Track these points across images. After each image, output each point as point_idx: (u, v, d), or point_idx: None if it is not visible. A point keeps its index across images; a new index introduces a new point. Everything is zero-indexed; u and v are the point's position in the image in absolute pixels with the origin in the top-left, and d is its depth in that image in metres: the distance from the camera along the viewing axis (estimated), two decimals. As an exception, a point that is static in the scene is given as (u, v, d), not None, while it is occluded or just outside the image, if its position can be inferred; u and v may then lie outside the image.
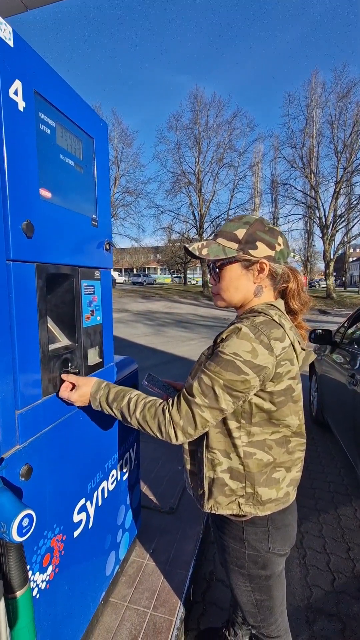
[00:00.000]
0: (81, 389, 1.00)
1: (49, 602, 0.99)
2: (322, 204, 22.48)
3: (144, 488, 2.30)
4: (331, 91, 22.42)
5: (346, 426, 2.53)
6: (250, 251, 0.91)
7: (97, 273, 1.24)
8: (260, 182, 28.36)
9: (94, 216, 1.21)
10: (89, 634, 1.28)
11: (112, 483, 1.41)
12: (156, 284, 36.11)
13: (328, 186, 23.17)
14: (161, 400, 0.93)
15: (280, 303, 0.96)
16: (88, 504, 1.21)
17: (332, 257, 22.01)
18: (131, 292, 23.37)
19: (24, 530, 0.70)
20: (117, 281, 32.15)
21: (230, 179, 26.87)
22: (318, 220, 22.90)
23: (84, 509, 1.18)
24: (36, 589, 0.92)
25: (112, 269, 1.36)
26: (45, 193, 0.93)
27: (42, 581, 0.95)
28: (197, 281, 44.12)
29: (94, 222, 1.20)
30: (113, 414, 0.96)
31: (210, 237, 0.99)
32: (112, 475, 1.42)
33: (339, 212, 22.36)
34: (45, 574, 0.96)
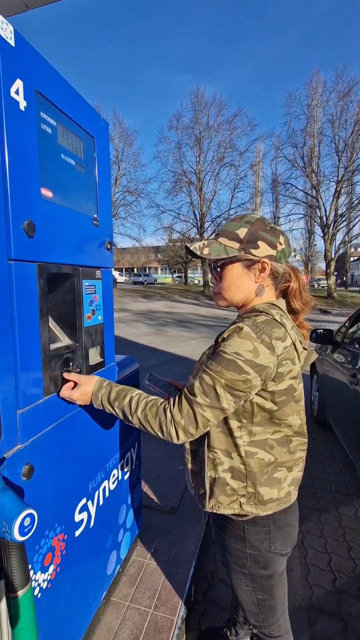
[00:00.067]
0: (83, 387, 1.00)
1: (50, 602, 0.99)
2: (323, 203, 22.46)
3: (145, 487, 2.30)
4: (332, 90, 22.41)
5: (347, 426, 2.53)
6: (252, 250, 0.91)
7: (98, 272, 1.24)
8: (261, 181, 28.36)
9: (95, 215, 1.21)
10: (90, 634, 1.28)
11: (113, 482, 1.41)
12: (157, 284, 36.12)
13: (329, 185, 23.30)
14: (163, 400, 0.93)
15: (282, 302, 0.96)
16: (89, 503, 1.21)
17: (333, 256, 21.97)
18: (132, 292, 23.38)
19: (26, 530, 0.70)
20: (117, 281, 32.18)
21: (231, 178, 26.87)
22: (319, 220, 22.86)
23: (85, 508, 1.18)
24: (38, 589, 0.92)
25: (113, 269, 1.36)
26: (46, 192, 0.93)
27: (44, 580, 0.95)
28: (198, 281, 44.12)
29: (95, 222, 1.20)
30: (114, 413, 0.96)
31: (212, 237, 0.99)
32: (114, 475, 1.42)
33: (340, 212, 22.32)
34: (46, 574, 0.96)
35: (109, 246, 1.30)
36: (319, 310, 16.07)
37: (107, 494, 1.35)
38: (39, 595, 0.93)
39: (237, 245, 0.92)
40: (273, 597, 1.01)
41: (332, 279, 22.37)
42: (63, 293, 1.08)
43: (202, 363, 0.91)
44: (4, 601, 0.80)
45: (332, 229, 21.87)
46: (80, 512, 1.14)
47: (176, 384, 1.20)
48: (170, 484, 2.35)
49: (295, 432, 0.93)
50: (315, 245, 31.61)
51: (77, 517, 1.13)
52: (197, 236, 26.33)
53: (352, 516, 2.26)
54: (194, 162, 26.63)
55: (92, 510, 1.23)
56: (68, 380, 1.03)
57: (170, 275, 47.94)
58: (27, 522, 0.70)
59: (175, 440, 0.88)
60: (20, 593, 0.72)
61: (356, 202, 21.85)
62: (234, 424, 0.89)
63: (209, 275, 1.06)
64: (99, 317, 1.25)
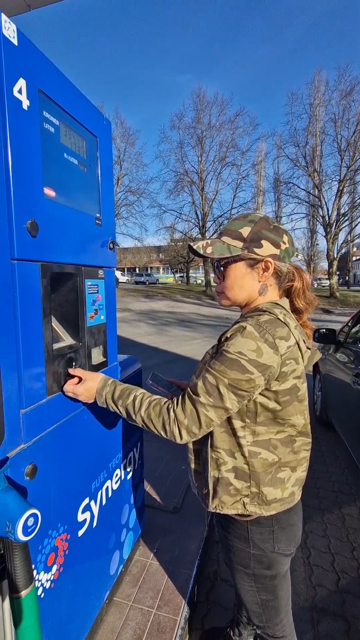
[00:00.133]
0: (87, 383, 1.00)
1: (53, 602, 0.99)
2: (326, 202, 22.40)
3: (148, 487, 2.30)
4: (334, 89, 22.36)
5: (350, 425, 2.52)
6: (255, 250, 0.90)
7: (100, 272, 1.23)
8: (263, 180, 28.25)
9: (98, 215, 1.21)
10: (93, 634, 1.28)
11: (116, 482, 1.41)
12: (159, 284, 36.13)
13: (331, 185, 23.04)
14: (166, 399, 0.93)
15: (285, 302, 0.95)
16: (92, 503, 1.21)
17: (335, 256, 21.91)
18: (134, 292, 23.39)
19: (29, 530, 0.70)
20: (119, 280, 32.19)
21: (233, 177, 26.92)
22: (321, 219, 22.79)
23: (88, 508, 1.18)
24: (41, 589, 0.92)
25: (115, 268, 1.36)
26: (49, 192, 0.93)
27: (47, 580, 0.95)
28: (201, 281, 44.10)
29: (97, 221, 1.20)
30: (118, 412, 0.96)
31: (215, 236, 0.98)
32: (116, 475, 1.41)
33: (342, 211, 22.24)
34: (49, 573, 0.96)
35: (111, 246, 1.30)
36: (321, 309, 16.03)
37: (110, 494, 1.35)
38: (42, 596, 0.93)
39: (240, 244, 0.91)
40: (277, 598, 1.00)
41: (335, 278, 22.30)
42: (66, 292, 1.08)
43: (205, 363, 0.91)
44: (7, 601, 0.80)
45: (335, 228, 21.80)
46: (83, 512, 1.14)
47: (179, 383, 1.20)
48: (173, 484, 2.35)
49: (299, 432, 0.93)
50: (317, 244, 31.54)
51: (80, 517, 1.13)
52: (199, 236, 26.32)
53: (355, 516, 2.25)
54: (196, 162, 26.67)
55: (95, 510, 1.23)
56: (72, 377, 1.04)
57: (172, 275, 47.93)
58: (30, 522, 0.70)
59: (178, 440, 0.87)
60: (23, 593, 0.72)
61: (358, 201, 21.78)
62: (237, 423, 0.89)
63: (211, 275, 1.06)
64: (102, 317, 1.25)
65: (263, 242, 0.90)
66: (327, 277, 28.54)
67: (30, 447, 0.87)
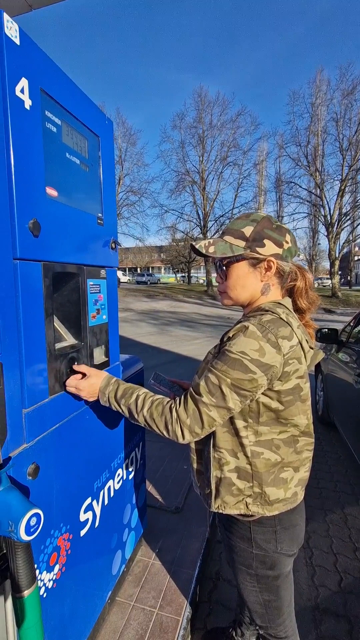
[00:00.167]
0: (91, 379, 1.00)
1: (56, 602, 0.99)
2: (327, 202, 22.40)
3: (150, 487, 2.30)
4: (336, 88, 22.30)
5: (352, 425, 2.51)
6: (258, 249, 0.90)
7: (102, 272, 1.23)
8: (265, 180, 28.25)
9: (100, 215, 1.21)
10: (96, 633, 1.28)
11: (118, 482, 1.41)
12: (160, 283, 36.14)
13: (333, 184, 23.00)
14: (169, 399, 0.93)
15: (288, 301, 0.95)
16: (94, 503, 1.21)
17: (337, 255, 21.88)
18: (135, 292, 23.40)
19: (32, 530, 0.70)
20: (121, 280, 32.21)
21: (235, 177, 26.92)
22: (323, 219, 22.77)
23: (90, 508, 1.18)
24: (43, 588, 0.92)
25: (117, 268, 1.36)
26: (51, 192, 0.93)
27: (49, 580, 0.95)
28: (202, 280, 44.08)
29: (99, 221, 1.20)
30: (120, 411, 0.96)
31: (217, 235, 0.98)
32: (118, 474, 1.41)
33: (344, 210, 22.22)
34: (52, 573, 0.96)
35: (113, 245, 1.30)
36: (323, 309, 16.01)
37: (112, 494, 1.35)
38: (44, 595, 0.93)
39: (243, 243, 0.91)
40: (279, 598, 1.00)
41: (336, 278, 22.26)
42: (68, 292, 1.08)
43: (208, 362, 0.90)
44: (10, 601, 0.81)
45: (336, 228, 21.78)
46: (85, 511, 1.14)
47: (181, 383, 1.20)
48: (175, 484, 2.35)
49: (301, 432, 0.92)
50: (319, 244, 31.52)
51: (83, 517, 1.13)
52: (200, 236, 26.29)
53: (357, 516, 2.24)
54: (197, 162, 26.67)
55: (97, 509, 1.23)
56: (76, 373, 1.04)
57: (174, 275, 47.92)
58: (33, 521, 0.70)
59: (180, 440, 0.87)
60: (26, 593, 0.72)
61: (360, 200, 21.74)
62: (240, 423, 0.89)
63: (213, 275, 1.06)
64: (104, 317, 1.25)
65: (266, 241, 0.90)
66: (328, 276, 28.49)
67: (32, 447, 0.87)
